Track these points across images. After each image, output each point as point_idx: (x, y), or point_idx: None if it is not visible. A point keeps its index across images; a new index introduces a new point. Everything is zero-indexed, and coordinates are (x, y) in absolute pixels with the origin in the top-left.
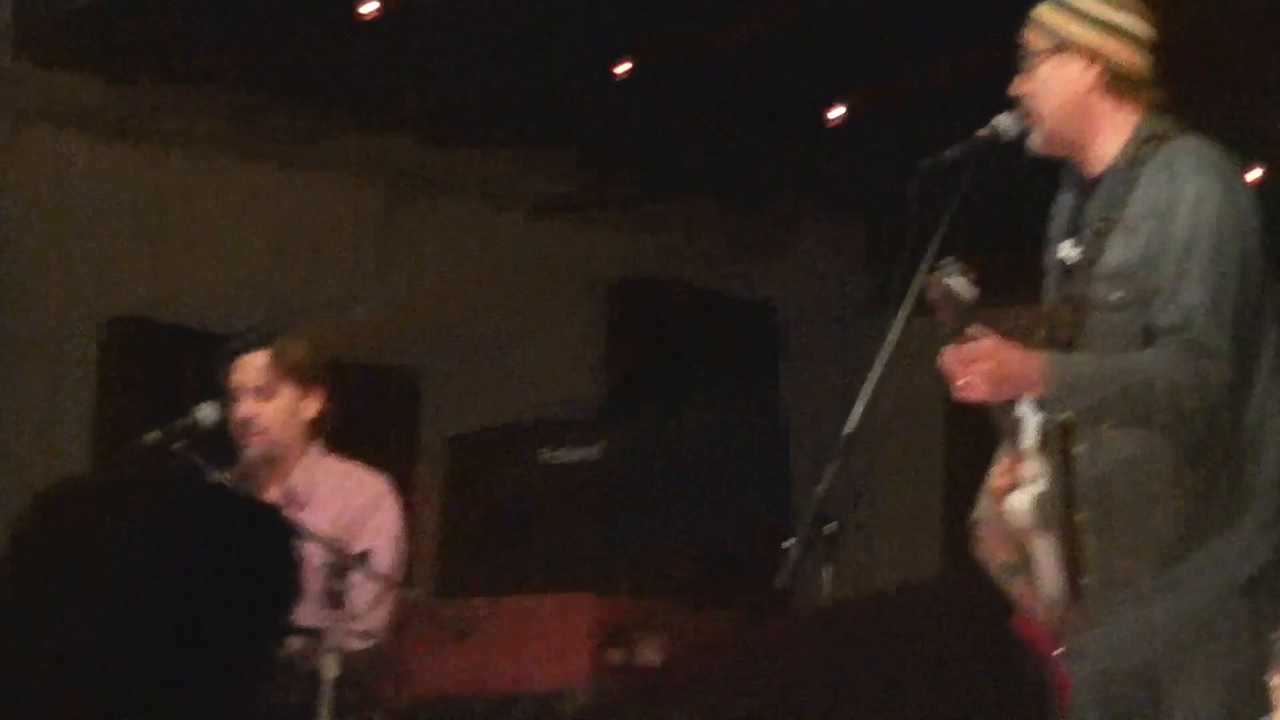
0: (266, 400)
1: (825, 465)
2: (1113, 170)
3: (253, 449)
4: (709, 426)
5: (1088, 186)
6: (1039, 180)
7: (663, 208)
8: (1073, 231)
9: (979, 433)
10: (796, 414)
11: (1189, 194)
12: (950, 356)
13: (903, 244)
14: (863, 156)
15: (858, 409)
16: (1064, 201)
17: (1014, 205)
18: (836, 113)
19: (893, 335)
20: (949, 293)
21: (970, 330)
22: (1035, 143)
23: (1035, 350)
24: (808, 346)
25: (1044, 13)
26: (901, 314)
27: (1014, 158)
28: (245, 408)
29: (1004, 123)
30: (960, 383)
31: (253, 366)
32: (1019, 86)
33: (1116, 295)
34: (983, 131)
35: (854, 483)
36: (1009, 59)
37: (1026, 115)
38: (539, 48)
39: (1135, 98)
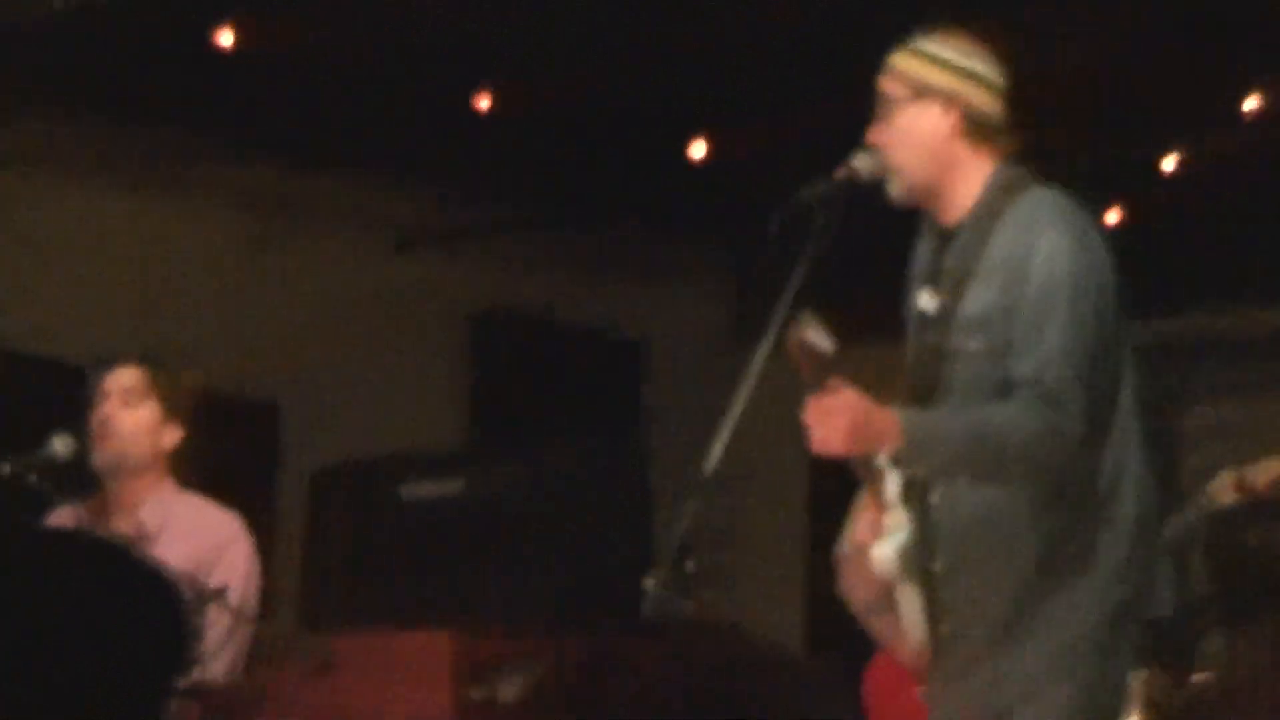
0: (129, 409)
1: (686, 502)
2: (970, 219)
3: (103, 453)
4: (571, 462)
5: (946, 235)
6: (899, 220)
7: (528, 240)
8: (931, 280)
9: (843, 471)
10: (661, 450)
11: (1043, 247)
12: (809, 409)
13: (765, 282)
14: (730, 190)
15: (718, 447)
16: (923, 249)
17: (874, 245)
18: (699, 147)
19: (752, 373)
20: (807, 345)
21: (829, 382)
22: (894, 191)
23: (895, 402)
24: (673, 381)
25: (901, 60)
26: (761, 352)
27: (872, 197)
28: (107, 408)
29: (862, 162)
30: (818, 436)
31: (124, 373)
32: (876, 135)
33: (975, 345)
34: (839, 172)
35: (717, 520)
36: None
37: (884, 164)
38: (403, 78)
39: (991, 145)
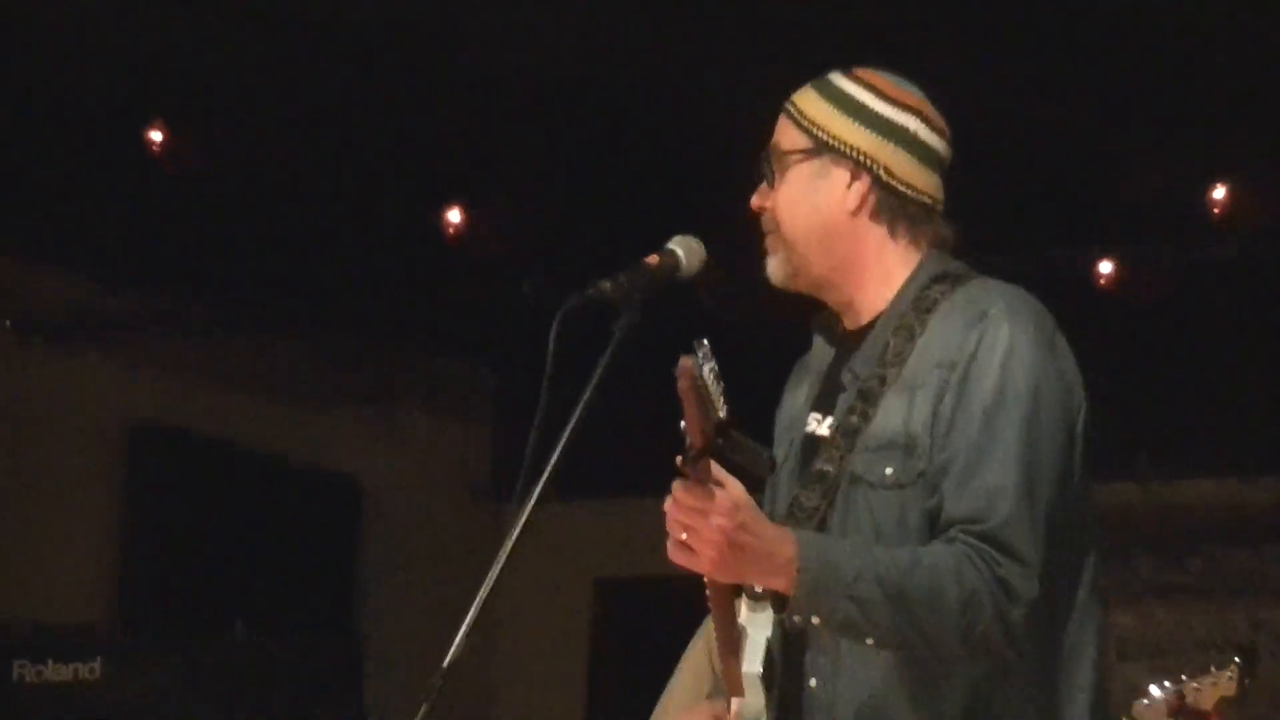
0: None
1: (418, 703)
2: (887, 317)
3: None
4: (253, 643)
5: (846, 339)
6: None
7: (206, 342)
8: (824, 400)
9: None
10: (382, 621)
11: (997, 344)
12: (678, 497)
13: (536, 406)
14: (490, 290)
15: (462, 632)
16: (810, 360)
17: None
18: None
19: (513, 537)
20: (700, 385)
21: (706, 466)
22: (777, 273)
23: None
24: (400, 537)
25: (803, 102)
26: (530, 502)
27: (694, 294)
28: None
29: (685, 248)
30: (681, 537)
31: None
32: (758, 198)
33: (889, 471)
34: (652, 259)
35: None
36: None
37: (770, 234)
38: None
39: (917, 228)
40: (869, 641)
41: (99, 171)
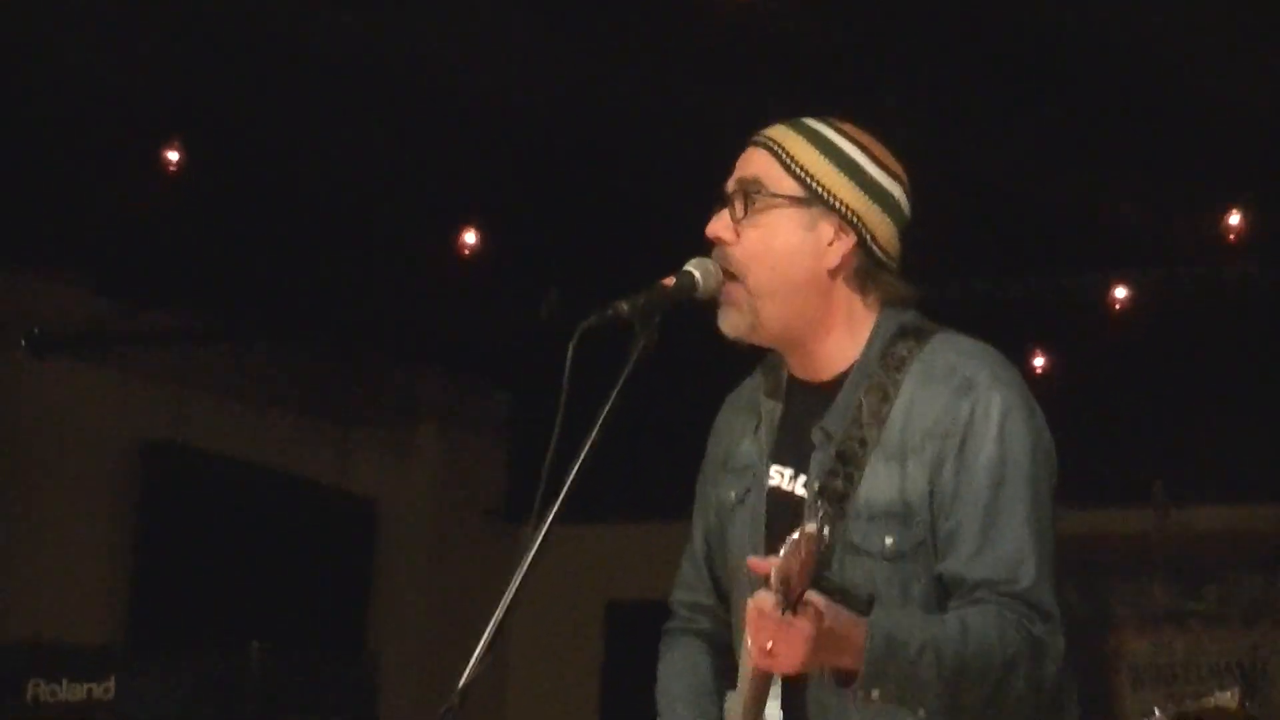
0: None
1: None
2: (855, 374)
3: None
4: (268, 662)
5: (805, 392)
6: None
7: (220, 359)
8: (787, 454)
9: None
10: (396, 644)
11: (991, 412)
12: (767, 612)
13: (552, 427)
14: (507, 311)
15: (477, 654)
16: (746, 400)
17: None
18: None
19: (531, 552)
20: (820, 541)
21: (801, 593)
22: (737, 326)
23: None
24: (415, 557)
25: (790, 144)
26: (545, 523)
27: (711, 316)
28: None
29: (702, 269)
30: (767, 646)
31: None
32: (720, 228)
33: (889, 542)
34: (669, 280)
35: None
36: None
37: (729, 282)
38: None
39: (885, 289)
40: (921, 713)
41: (116, 187)
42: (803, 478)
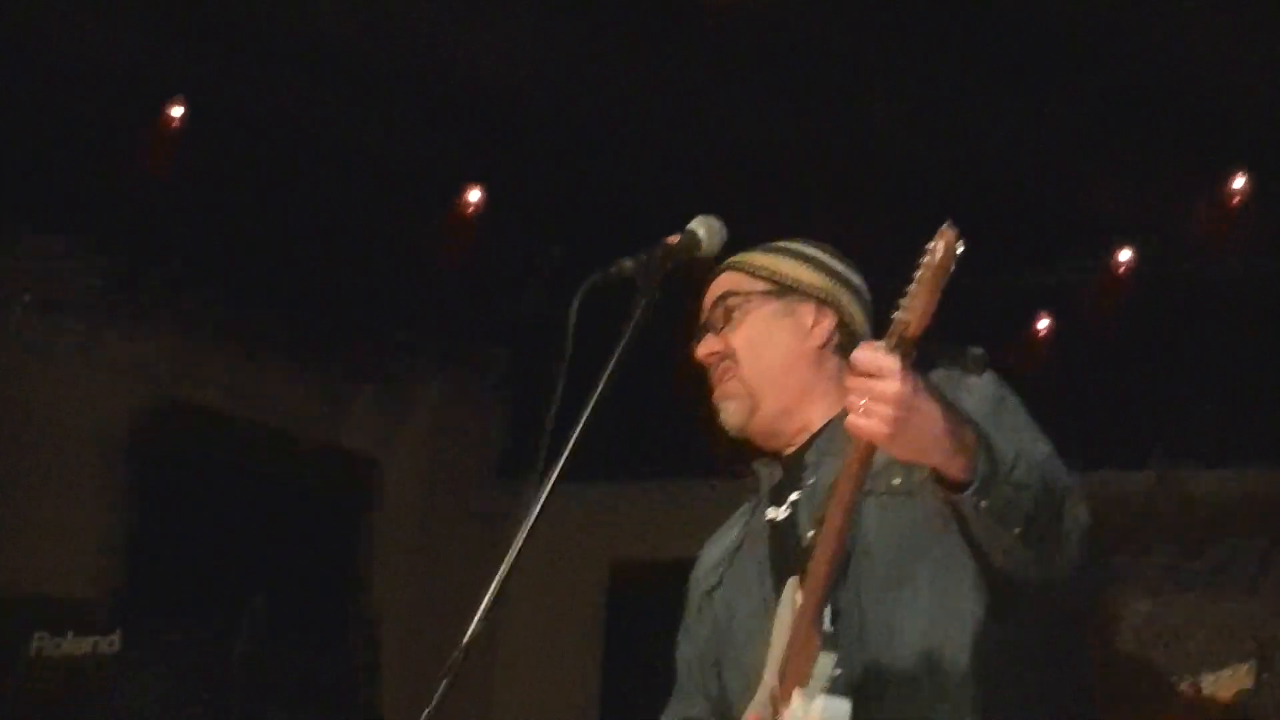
0: None
1: (436, 678)
2: (829, 426)
3: None
4: (261, 619)
5: (785, 464)
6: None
7: (216, 316)
8: (782, 495)
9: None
10: (396, 601)
11: (973, 389)
12: (858, 360)
13: (553, 384)
14: (501, 270)
15: (481, 611)
16: (763, 485)
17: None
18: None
19: (534, 510)
20: (951, 263)
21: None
22: (736, 416)
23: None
24: (415, 515)
25: (751, 259)
26: (548, 482)
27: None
28: None
29: (706, 227)
30: (860, 405)
31: None
32: (707, 346)
33: (896, 481)
34: (673, 238)
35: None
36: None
37: (725, 380)
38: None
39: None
40: (1015, 530)
41: (116, 146)
42: (795, 494)
